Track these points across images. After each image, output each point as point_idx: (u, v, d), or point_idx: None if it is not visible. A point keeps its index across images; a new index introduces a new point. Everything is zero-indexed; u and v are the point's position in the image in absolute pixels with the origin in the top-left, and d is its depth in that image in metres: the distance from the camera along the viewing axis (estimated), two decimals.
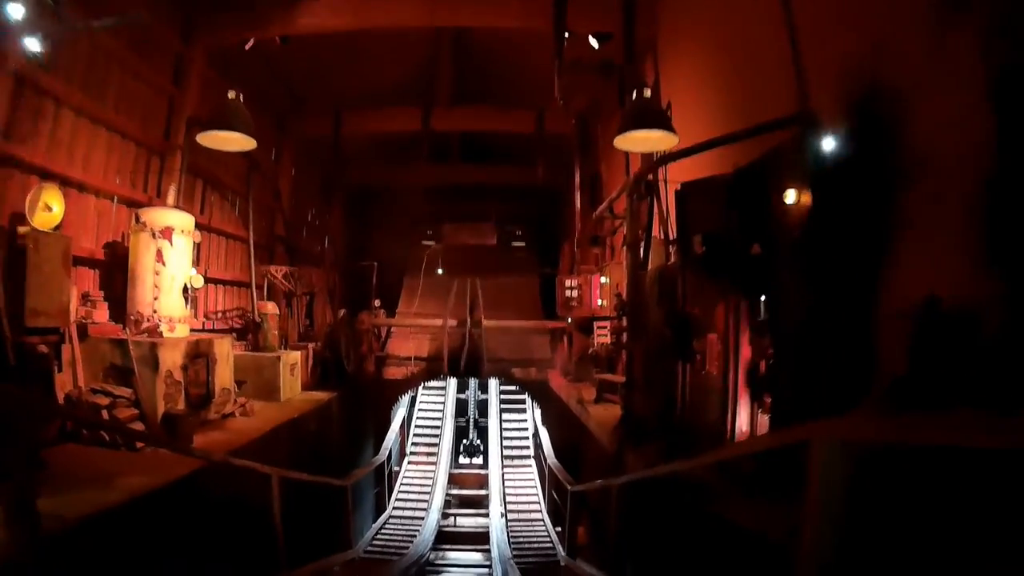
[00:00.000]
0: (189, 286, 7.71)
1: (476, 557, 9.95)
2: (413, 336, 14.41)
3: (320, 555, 7.78)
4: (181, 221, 7.53)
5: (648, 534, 5.25)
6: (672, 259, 6.28)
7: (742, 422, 4.34)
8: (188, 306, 7.83)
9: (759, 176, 4.14)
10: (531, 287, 16.09)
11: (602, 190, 12.11)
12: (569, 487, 8.70)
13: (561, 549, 9.36)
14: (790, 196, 3.80)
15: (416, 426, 15.64)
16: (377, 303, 14.50)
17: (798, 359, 3.75)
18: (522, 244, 18.83)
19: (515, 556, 9.35)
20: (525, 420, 15.70)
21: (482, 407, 16.78)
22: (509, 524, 11.02)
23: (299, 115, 13.19)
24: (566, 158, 13.61)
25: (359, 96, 13.21)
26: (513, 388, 16.60)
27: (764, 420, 4.20)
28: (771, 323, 4.11)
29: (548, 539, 10.30)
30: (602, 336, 9.46)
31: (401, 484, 13.07)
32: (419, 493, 12.70)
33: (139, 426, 6.05)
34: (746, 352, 4.34)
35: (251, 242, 10.64)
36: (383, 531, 10.69)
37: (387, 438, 12.81)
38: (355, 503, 9.99)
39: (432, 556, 9.79)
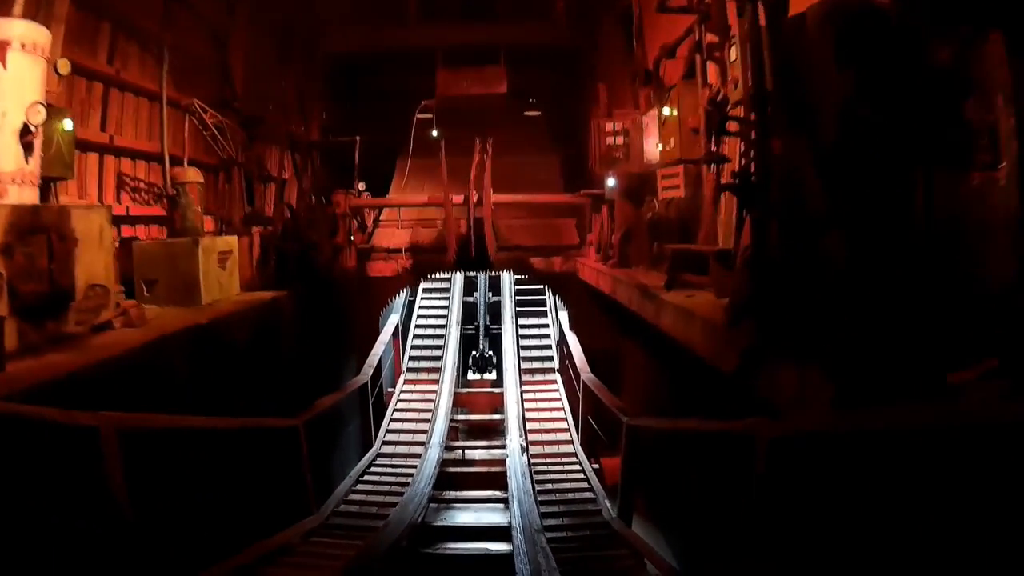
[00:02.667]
0: (30, 126, 4.63)
1: (490, 518, 7.22)
2: (405, 225, 11.28)
3: (257, 534, 5.08)
4: (26, 34, 4.61)
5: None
6: None
7: None
8: (29, 158, 4.74)
9: None
10: (550, 167, 12.66)
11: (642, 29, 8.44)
12: (625, 419, 5.77)
13: (607, 504, 6.56)
14: None
15: (415, 336, 12.80)
16: (361, 186, 11.32)
17: None
18: (537, 113, 15.24)
19: (544, 513, 6.59)
20: (547, 325, 12.78)
21: (494, 311, 13.86)
22: (532, 462, 8.24)
23: None
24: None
25: None
26: (532, 286, 13.60)
27: None
28: None
29: (586, 485, 7.52)
30: (672, 190, 6.24)
31: (394, 411, 10.31)
32: (416, 422, 9.94)
33: None
34: None
35: (163, 95, 7.41)
36: (365, 479, 7.98)
37: (373, 352, 9.93)
38: (326, 445, 7.20)
39: (428, 516, 7.06)
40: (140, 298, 6.19)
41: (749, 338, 3.41)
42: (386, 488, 7.71)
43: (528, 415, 9.92)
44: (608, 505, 6.62)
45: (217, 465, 4.77)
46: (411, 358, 12.17)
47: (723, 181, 5.02)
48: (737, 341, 3.53)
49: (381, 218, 11.88)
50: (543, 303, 13.39)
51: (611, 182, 8.16)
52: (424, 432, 9.42)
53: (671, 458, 5.09)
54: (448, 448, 9.40)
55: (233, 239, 7.52)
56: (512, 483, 7.39)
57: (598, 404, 8.21)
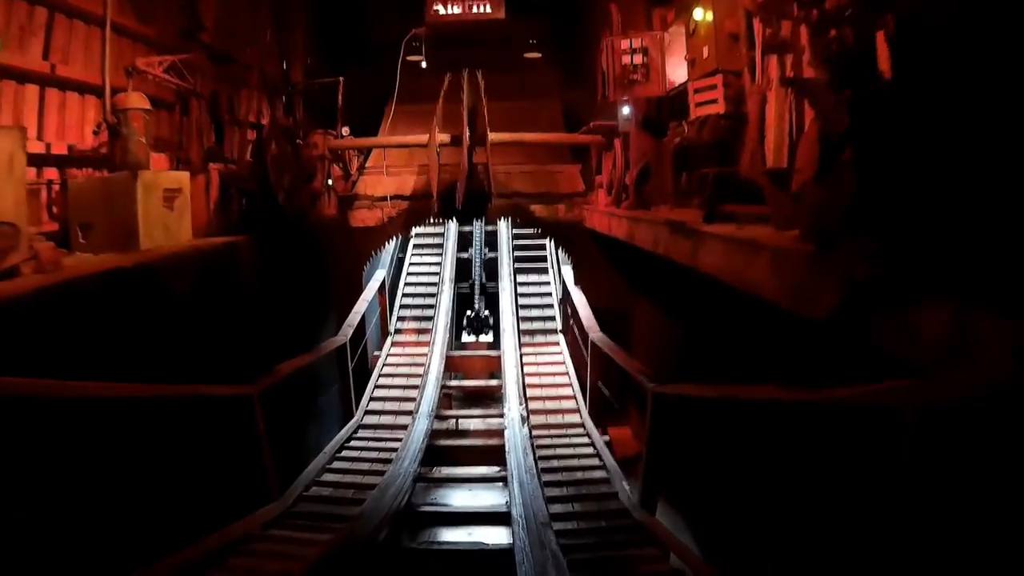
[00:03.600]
0: None
1: (486, 498, 6.22)
2: (393, 173, 10.05)
3: (200, 529, 4.09)
4: None
5: None
6: None
7: None
8: None
9: None
10: (551, 113, 11.34)
11: None
12: (650, 386, 4.71)
13: (625, 486, 5.54)
14: None
15: (404, 294, 11.69)
16: (346, 131, 10.05)
17: None
18: (538, 56, 13.84)
19: (550, 498, 5.56)
20: (548, 283, 11.67)
21: (490, 269, 12.74)
22: (535, 435, 7.20)
23: None
24: None
25: None
26: (531, 241, 12.45)
27: None
28: None
29: (597, 462, 6.50)
30: (707, 106, 5.04)
31: (380, 377, 9.26)
32: (404, 389, 8.90)
33: None
34: None
35: (107, 16, 6.12)
36: (343, 455, 6.96)
37: (354, 311, 8.81)
38: (294, 417, 6.16)
39: (415, 497, 6.04)
40: (76, 246, 5.08)
41: (857, 267, 2.29)
42: (366, 466, 6.68)
43: (528, 380, 8.87)
44: (626, 487, 5.60)
45: (135, 444, 3.72)
46: (400, 318, 11.09)
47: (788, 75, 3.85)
48: (835, 273, 2.41)
49: (367, 165, 10.64)
50: (543, 259, 12.26)
51: (626, 111, 6.96)
52: (412, 400, 8.37)
53: (718, 436, 4.03)
54: (439, 418, 8.38)
55: (184, 175, 6.31)
56: (511, 459, 6.35)
57: (610, 368, 7.16)
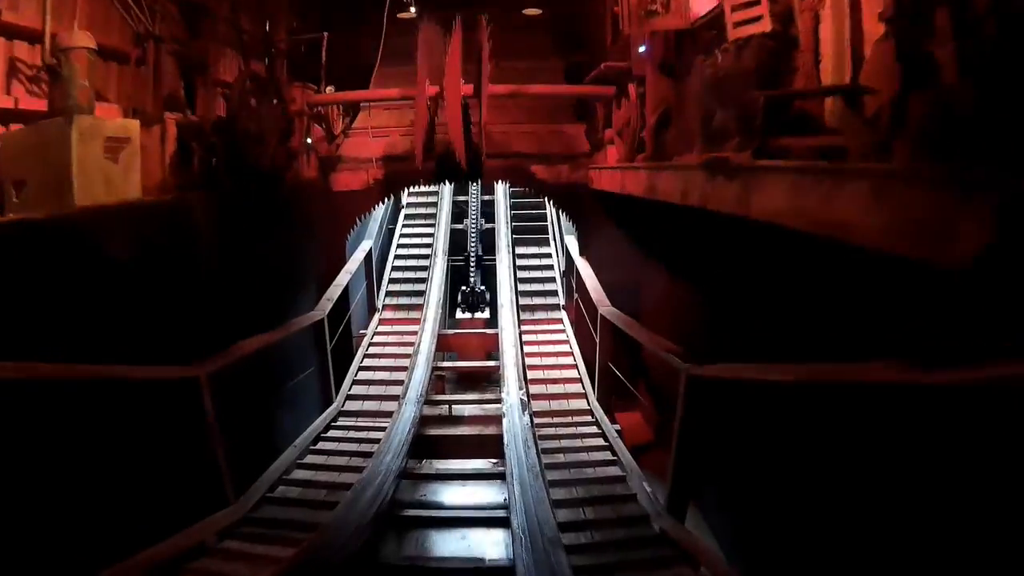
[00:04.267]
0: None
1: (482, 496, 5.35)
2: (380, 135, 9.04)
3: (141, 538, 3.23)
4: None
5: None
6: None
7: None
8: None
9: None
10: (553, 73, 10.28)
11: None
12: (684, 368, 3.82)
13: (645, 487, 4.67)
14: None
15: (393, 268, 10.77)
16: (330, 90, 9.04)
17: None
18: (538, 12, 12.73)
19: (557, 501, 4.68)
20: (550, 255, 10.75)
21: (487, 241, 11.81)
22: (538, 424, 6.33)
23: None
24: None
25: None
26: (532, 211, 11.52)
27: None
28: None
29: (610, 456, 5.64)
30: (749, 25, 4.07)
31: (364, 358, 8.38)
32: (391, 371, 8.02)
33: None
34: None
35: None
36: (318, 447, 6.09)
37: (335, 283, 7.89)
38: (257, 403, 5.29)
39: (399, 495, 5.16)
40: (10, 207, 4.18)
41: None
42: (343, 461, 5.81)
43: (529, 361, 7.99)
44: (646, 488, 4.73)
45: (39, 437, 2.84)
46: (388, 293, 10.17)
47: None
48: (985, 199, 1.51)
49: (354, 126, 9.63)
50: (544, 230, 11.33)
51: (642, 49, 5.99)
52: (400, 384, 7.48)
53: (780, 429, 3.15)
54: (431, 403, 7.50)
55: (132, 124, 5.34)
56: (511, 454, 5.47)
57: (624, 346, 6.27)
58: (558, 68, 10.46)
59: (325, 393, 7.11)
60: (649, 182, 5.25)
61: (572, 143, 8.74)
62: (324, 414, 6.74)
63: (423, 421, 7.04)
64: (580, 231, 8.53)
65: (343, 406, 7.19)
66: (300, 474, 5.55)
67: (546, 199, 12.04)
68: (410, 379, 7.38)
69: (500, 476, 5.65)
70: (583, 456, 5.69)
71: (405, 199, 12.64)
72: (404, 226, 11.92)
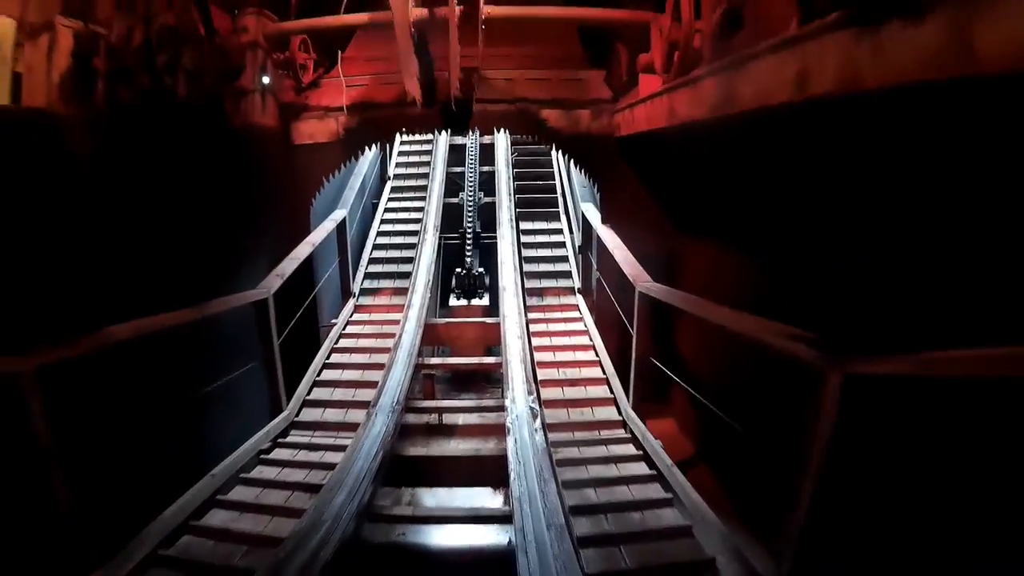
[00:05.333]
0: None
1: (483, 550, 3.64)
2: (356, 84, 7.29)
3: None
4: None
5: None
6: None
7: None
8: None
9: None
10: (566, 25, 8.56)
11: None
12: (836, 366, 2.06)
13: (720, 540, 2.91)
14: None
15: (375, 247, 9.05)
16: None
17: None
18: None
19: None
20: (560, 231, 9.03)
21: (487, 217, 10.08)
22: (553, 439, 4.62)
23: None
24: None
25: None
26: (539, 181, 9.81)
27: None
28: None
29: (662, 493, 3.92)
30: None
31: (331, 352, 6.68)
32: (363, 370, 6.31)
33: None
34: None
35: None
36: (251, 476, 4.38)
37: (291, 256, 6.14)
38: (154, 413, 3.57)
39: (345, 560, 3.42)
40: None
41: None
42: (280, 498, 4.10)
43: (539, 356, 6.27)
44: (730, 547, 3.00)
45: None
46: (368, 275, 8.45)
47: None
48: None
49: (327, 76, 7.88)
50: (554, 203, 9.61)
51: None
52: (371, 386, 5.75)
53: None
54: (414, 410, 5.79)
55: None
56: (520, 491, 3.74)
57: (680, 336, 4.56)
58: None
59: (271, 398, 5.38)
60: (722, 90, 3.52)
61: (589, 89, 6.99)
62: (267, 427, 5.03)
63: (405, 433, 5.35)
64: (602, 194, 6.79)
65: (297, 415, 5.49)
66: (216, 518, 3.84)
67: (558, 160, 10.39)
68: (385, 381, 5.65)
69: (504, 520, 3.94)
70: (623, 492, 3.97)
71: (392, 169, 10.94)
72: (390, 199, 10.21)
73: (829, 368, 2.34)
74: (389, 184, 10.59)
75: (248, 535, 3.63)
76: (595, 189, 6.84)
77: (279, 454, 4.83)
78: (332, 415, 5.52)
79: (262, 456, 4.75)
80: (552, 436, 4.72)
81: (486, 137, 11.71)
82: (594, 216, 7.08)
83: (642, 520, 3.60)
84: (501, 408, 5.45)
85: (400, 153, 11.41)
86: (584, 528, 3.48)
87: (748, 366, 3.27)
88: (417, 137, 11.68)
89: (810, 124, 2.94)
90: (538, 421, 4.63)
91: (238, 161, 5.74)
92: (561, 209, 9.44)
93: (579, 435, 4.93)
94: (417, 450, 5.15)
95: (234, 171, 5.65)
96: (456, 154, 11.45)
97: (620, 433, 4.95)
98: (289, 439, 5.13)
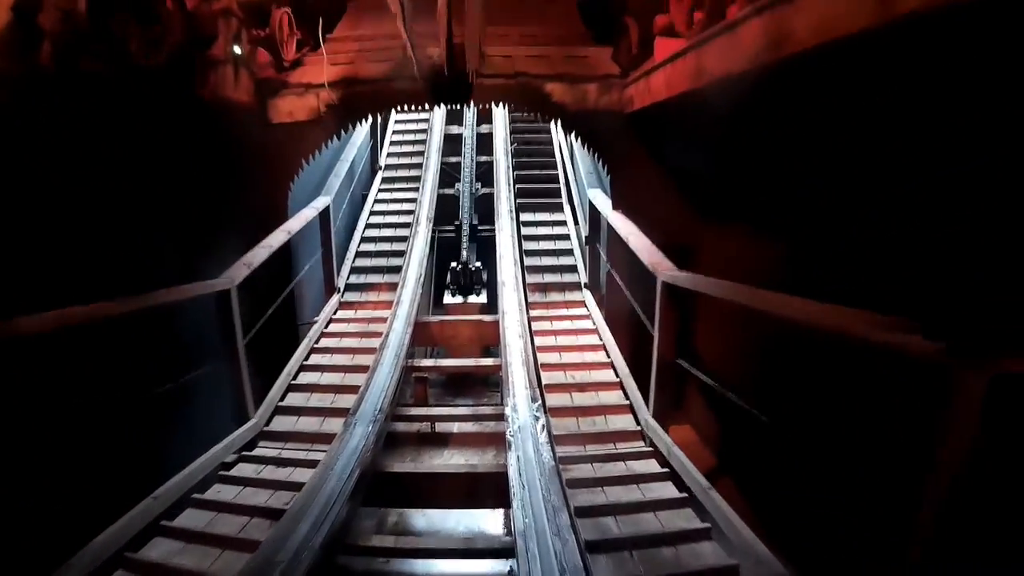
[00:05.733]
0: None
1: None
2: (342, 61, 6.60)
3: None
4: None
5: None
6: None
7: None
8: None
9: None
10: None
11: None
12: (971, 366, 1.30)
13: None
14: None
15: (364, 238, 8.37)
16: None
17: None
18: None
19: None
20: (564, 223, 8.34)
21: (485, 208, 9.41)
22: (562, 455, 3.92)
23: None
24: None
25: None
26: (541, 171, 9.17)
27: None
28: None
29: (698, 523, 3.21)
30: None
31: (310, 352, 5.99)
32: (344, 372, 5.63)
33: None
34: None
35: None
36: (206, 497, 3.68)
37: (263, 244, 5.42)
38: (87, 424, 2.84)
39: None
40: None
41: None
42: (233, 527, 3.39)
43: (544, 358, 5.58)
44: None
45: None
46: (355, 270, 7.76)
47: None
48: None
49: (311, 54, 7.20)
50: (556, 193, 8.92)
51: None
52: (351, 392, 5.05)
53: None
54: (403, 418, 5.11)
55: None
56: (524, 520, 3.04)
57: (716, 331, 3.88)
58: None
59: (236, 405, 4.67)
60: (768, 31, 2.88)
61: (595, 66, 6.30)
62: (229, 439, 4.32)
63: (391, 444, 4.67)
64: (613, 178, 6.09)
65: (267, 424, 4.79)
66: (155, 551, 3.14)
67: (560, 147, 9.72)
68: (368, 385, 4.95)
69: (505, 554, 3.24)
70: (650, 521, 3.27)
71: (384, 159, 10.26)
72: (381, 190, 9.52)
73: (967, 367, 1.66)
74: (380, 174, 9.91)
75: (183, 571, 2.93)
76: (604, 172, 6.14)
77: (241, 470, 4.13)
78: (307, 424, 4.82)
79: (222, 473, 4.06)
80: (561, 450, 4.02)
81: (483, 126, 11.05)
82: (603, 203, 6.40)
83: (676, 559, 2.91)
84: (500, 417, 4.77)
85: (392, 143, 10.73)
86: (604, 567, 2.78)
87: (822, 365, 2.58)
88: (411, 127, 11.06)
89: (900, 55, 2.28)
90: (544, 433, 3.93)
91: (204, 136, 5.06)
92: (564, 199, 8.76)
93: (592, 448, 4.23)
94: (404, 466, 4.45)
95: (199, 147, 4.97)
96: (452, 144, 10.78)
97: (640, 446, 4.26)
98: (255, 452, 4.43)
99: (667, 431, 4.15)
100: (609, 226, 5.96)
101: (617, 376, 5.17)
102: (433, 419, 5.16)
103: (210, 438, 4.29)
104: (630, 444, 4.32)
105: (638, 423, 4.48)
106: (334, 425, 4.61)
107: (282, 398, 5.19)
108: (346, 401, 4.97)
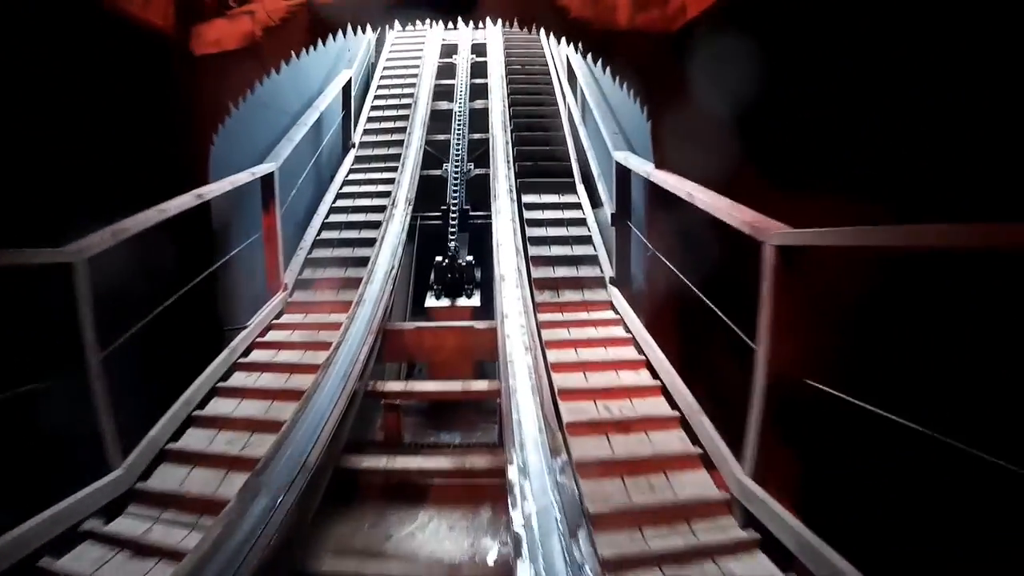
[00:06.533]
0: None
1: None
2: None
3: None
4: None
5: None
6: None
7: None
8: None
9: None
10: None
11: None
12: None
13: None
14: None
15: (325, 224, 6.67)
16: None
17: None
18: None
19: None
20: (579, 205, 6.69)
21: (480, 192, 7.69)
22: (614, 565, 2.16)
23: None
24: None
25: None
26: (546, 146, 7.55)
27: None
28: None
29: None
30: None
31: (232, 370, 4.24)
32: (271, 399, 3.87)
33: None
34: None
35: None
36: None
37: (161, 207, 3.67)
38: None
39: None
40: None
41: None
42: None
43: (560, 382, 3.83)
44: None
45: None
46: (309, 263, 6.03)
47: None
48: None
49: None
50: (567, 171, 7.25)
51: None
52: (278, 428, 3.30)
53: None
54: (344, 472, 3.37)
55: None
56: None
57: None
58: None
59: (89, 449, 2.92)
60: None
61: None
62: (72, 500, 2.57)
63: (327, 516, 2.93)
64: (656, 125, 4.38)
65: (141, 479, 3.03)
66: None
67: (569, 114, 8.01)
68: (294, 425, 3.21)
69: None
70: None
71: (358, 136, 8.58)
72: (352, 171, 7.84)
73: None
74: (353, 153, 8.22)
75: None
76: (645, 113, 4.42)
77: (79, 558, 2.38)
78: (199, 482, 3.07)
79: (47, 557, 2.32)
80: (606, 549, 2.29)
81: (478, 102, 9.41)
82: (638, 165, 4.68)
83: None
84: (500, 473, 3.02)
85: (370, 119, 9.07)
86: None
87: None
88: (393, 102, 9.44)
89: None
90: (580, 534, 2.18)
91: (91, 70, 3.40)
92: (577, 178, 7.09)
93: (657, 540, 2.49)
94: (342, 563, 2.70)
95: (86, 85, 3.32)
96: (440, 122, 9.11)
97: (735, 533, 2.52)
98: (115, 526, 2.69)
99: (788, 506, 2.43)
100: (652, 190, 4.25)
101: (676, 410, 3.44)
102: (400, 475, 3.42)
103: (39, 499, 2.54)
104: (715, 525, 2.59)
105: (727, 486, 2.75)
106: (240, 482, 2.86)
107: (173, 437, 3.44)
108: (265, 443, 3.23)
